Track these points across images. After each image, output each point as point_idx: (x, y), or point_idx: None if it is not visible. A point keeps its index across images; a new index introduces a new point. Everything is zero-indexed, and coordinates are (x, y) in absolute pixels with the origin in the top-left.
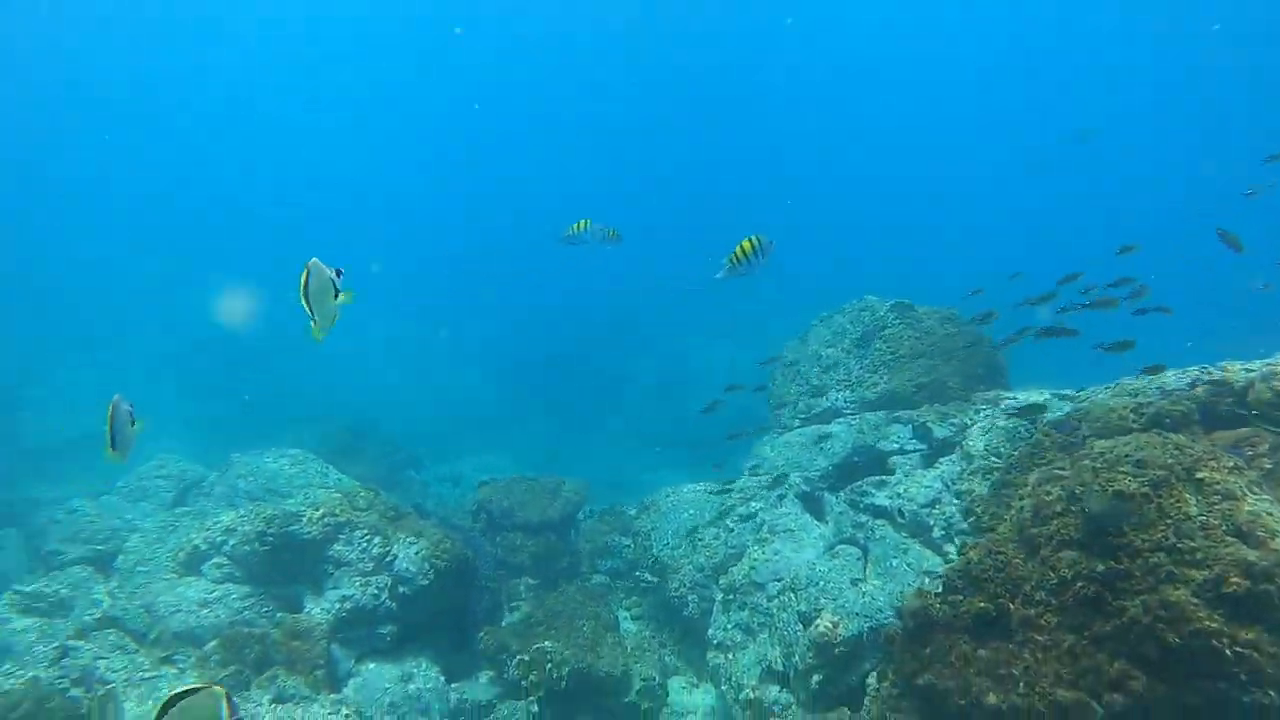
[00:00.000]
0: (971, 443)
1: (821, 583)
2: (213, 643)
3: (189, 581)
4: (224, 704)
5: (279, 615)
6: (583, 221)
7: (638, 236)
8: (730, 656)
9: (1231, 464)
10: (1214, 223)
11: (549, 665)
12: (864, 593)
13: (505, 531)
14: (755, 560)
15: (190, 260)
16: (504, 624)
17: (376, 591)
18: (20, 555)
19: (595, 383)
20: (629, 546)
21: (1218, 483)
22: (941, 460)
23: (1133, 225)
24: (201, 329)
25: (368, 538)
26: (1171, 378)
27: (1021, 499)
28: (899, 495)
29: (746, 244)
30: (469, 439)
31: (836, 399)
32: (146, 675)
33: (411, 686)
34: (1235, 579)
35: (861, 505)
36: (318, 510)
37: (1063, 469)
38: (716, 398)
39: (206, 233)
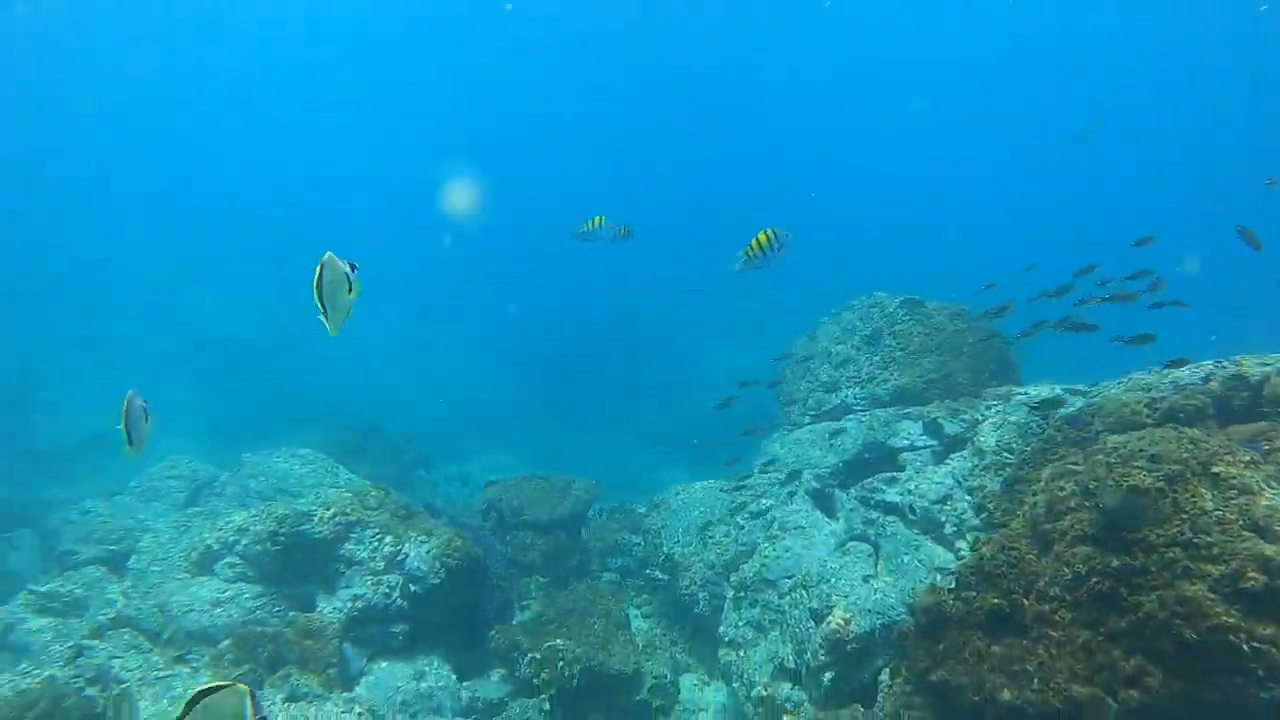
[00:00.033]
0: (983, 438)
1: (833, 579)
2: (226, 642)
3: (202, 581)
4: (248, 701)
5: (291, 614)
6: (597, 218)
7: (639, 236)
8: (742, 654)
9: (1248, 458)
10: (1213, 222)
11: (560, 663)
12: (876, 589)
13: (515, 530)
14: (766, 557)
15: (191, 260)
16: (515, 622)
17: (388, 590)
18: (35, 556)
19: (596, 382)
20: (639, 544)
21: (1234, 477)
22: (953, 456)
23: (1132, 225)
24: (202, 329)
25: (379, 537)
26: (1185, 372)
27: (1034, 494)
28: (910, 491)
29: (763, 236)
30: (472, 439)
31: (847, 395)
32: (161, 674)
33: (423, 685)
34: (1253, 574)
35: (872, 502)
36: (329, 510)
37: (1076, 464)
38: (731, 393)
39: (207, 233)
